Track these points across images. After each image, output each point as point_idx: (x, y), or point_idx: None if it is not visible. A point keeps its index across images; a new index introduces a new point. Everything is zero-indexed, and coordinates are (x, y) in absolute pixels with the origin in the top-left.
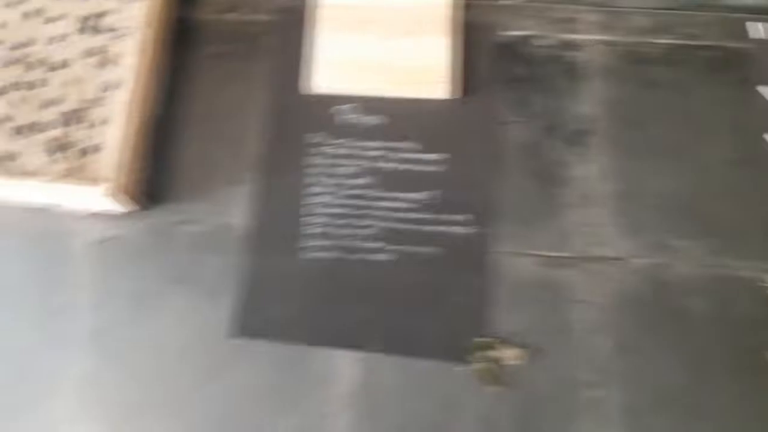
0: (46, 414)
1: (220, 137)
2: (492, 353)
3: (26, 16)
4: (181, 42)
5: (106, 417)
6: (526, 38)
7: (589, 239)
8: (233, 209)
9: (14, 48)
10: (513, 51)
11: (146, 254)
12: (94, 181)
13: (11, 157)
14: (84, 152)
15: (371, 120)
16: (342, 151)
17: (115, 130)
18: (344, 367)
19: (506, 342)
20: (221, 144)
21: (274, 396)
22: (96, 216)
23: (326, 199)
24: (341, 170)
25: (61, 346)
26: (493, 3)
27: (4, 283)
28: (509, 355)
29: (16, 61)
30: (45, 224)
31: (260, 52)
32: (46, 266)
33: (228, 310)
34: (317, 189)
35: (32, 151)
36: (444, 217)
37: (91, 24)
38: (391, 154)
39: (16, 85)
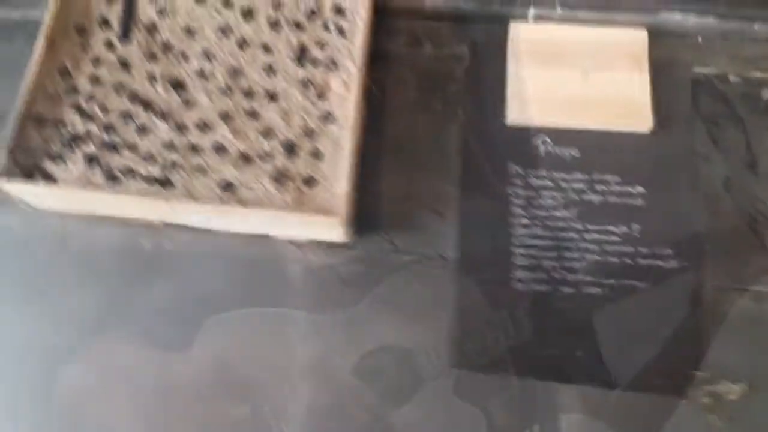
0: None
1: (422, 167)
2: (713, 388)
3: (239, 44)
4: (378, 73)
5: None
6: (718, 75)
7: None
8: (440, 238)
9: (231, 75)
10: (706, 87)
11: (359, 283)
12: (320, 211)
13: (236, 185)
14: (306, 182)
15: (570, 152)
16: (544, 182)
17: (335, 161)
18: (565, 401)
19: (724, 378)
20: (423, 174)
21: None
22: (310, 245)
23: (533, 230)
24: (545, 201)
25: (281, 376)
26: (687, 41)
27: (222, 308)
28: (730, 390)
29: (233, 89)
30: (261, 252)
31: (456, 84)
32: (263, 293)
33: (440, 341)
34: (523, 220)
35: (256, 180)
36: (651, 250)
37: (306, 56)
38: (594, 186)
39: (235, 113)
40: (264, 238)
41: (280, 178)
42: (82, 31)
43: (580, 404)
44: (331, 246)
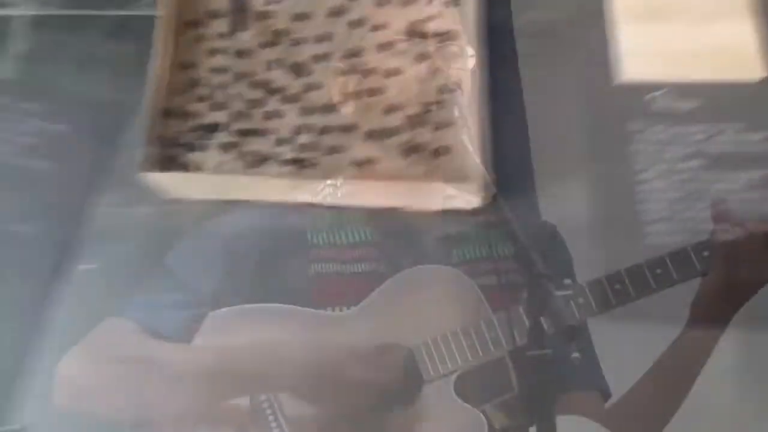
0: None
1: (540, 133)
2: None
3: (351, 25)
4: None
5: None
6: None
7: None
8: (566, 201)
9: (346, 57)
10: None
11: (493, 249)
12: (454, 179)
13: (370, 161)
14: (436, 153)
15: (687, 104)
16: (664, 136)
17: (462, 131)
18: (722, 343)
19: None
20: (543, 139)
21: None
22: (441, 214)
23: (659, 184)
24: (668, 155)
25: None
26: None
27: None
28: None
29: (351, 70)
30: (396, 224)
31: (565, 48)
32: (401, 262)
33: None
34: (647, 175)
35: (388, 155)
36: None
37: (417, 30)
38: (716, 137)
39: (357, 93)
40: (395, 211)
41: (410, 150)
42: (196, 24)
43: (737, 347)
44: (461, 214)
